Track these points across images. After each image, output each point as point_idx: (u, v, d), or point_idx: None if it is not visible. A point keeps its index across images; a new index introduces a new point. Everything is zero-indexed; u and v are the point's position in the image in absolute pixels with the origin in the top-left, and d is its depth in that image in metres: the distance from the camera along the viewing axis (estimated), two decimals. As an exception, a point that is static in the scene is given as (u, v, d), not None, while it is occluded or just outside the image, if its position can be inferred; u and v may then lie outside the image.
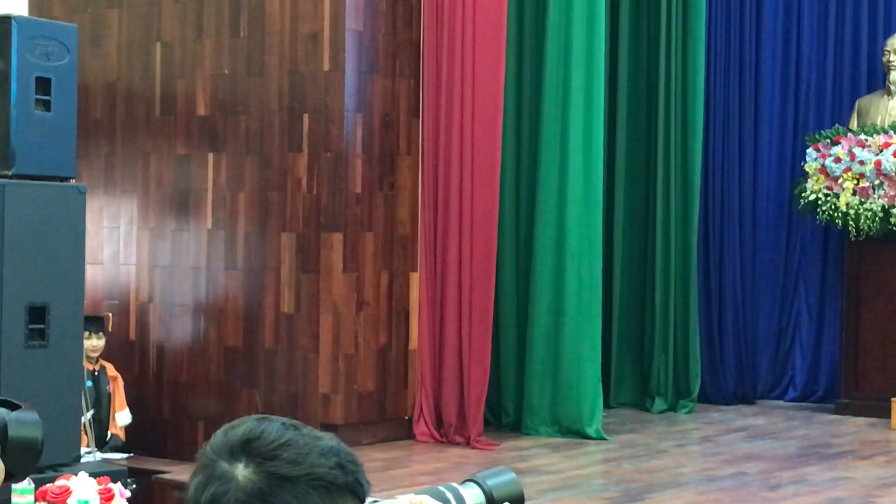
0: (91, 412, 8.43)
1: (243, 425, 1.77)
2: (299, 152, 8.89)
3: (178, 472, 7.95)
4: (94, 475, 6.08)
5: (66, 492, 5.89)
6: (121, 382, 8.95)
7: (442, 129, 9.05)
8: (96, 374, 8.74)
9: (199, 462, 1.78)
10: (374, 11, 8.98)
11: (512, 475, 1.99)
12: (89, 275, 8.82)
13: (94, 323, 8.68)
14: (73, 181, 6.92)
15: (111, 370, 8.91)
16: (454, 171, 9.02)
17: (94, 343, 8.64)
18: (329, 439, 1.78)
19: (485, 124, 9.03)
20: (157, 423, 9.33)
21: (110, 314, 9.18)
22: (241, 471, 1.72)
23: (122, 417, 8.91)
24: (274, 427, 1.76)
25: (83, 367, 7.47)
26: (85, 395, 8.03)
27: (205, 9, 9.31)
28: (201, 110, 9.31)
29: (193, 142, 9.35)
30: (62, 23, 7.60)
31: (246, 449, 1.73)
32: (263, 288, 9.01)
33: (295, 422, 1.82)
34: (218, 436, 1.78)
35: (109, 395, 8.81)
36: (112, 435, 8.83)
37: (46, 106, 6.81)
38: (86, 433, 8.12)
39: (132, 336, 9.56)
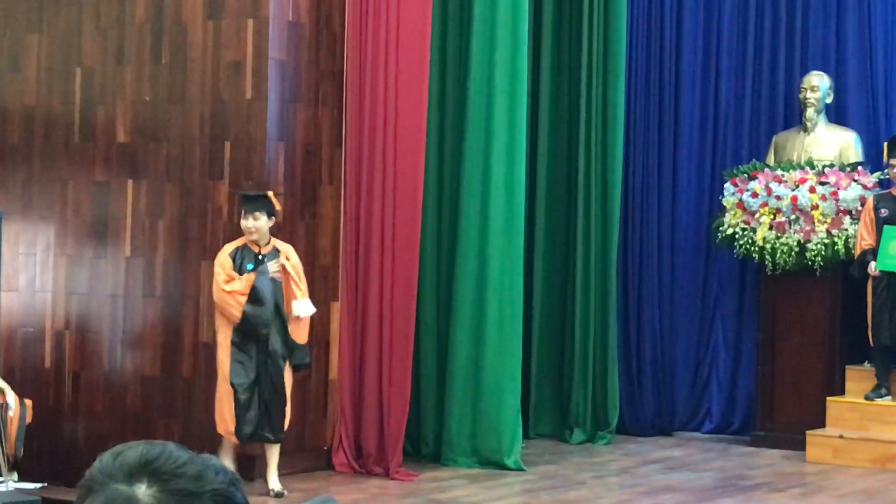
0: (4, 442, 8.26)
1: (138, 448, 1.79)
2: (220, 180, 8.85)
3: (93, 503, 7.83)
4: (7, 505, 5.98)
5: (-21, 522, 5.78)
6: (297, 267, 8.28)
7: (364, 159, 9.06)
8: (262, 257, 8.24)
9: (86, 487, 1.79)
10: (297, 41, 8.97)
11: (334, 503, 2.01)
12: (4, 301, 8.71)
13: (252, 202, 8.16)
14: (-11, 206, 6.83)
15: (284, 254, 8.27)
16: (376, 201, 9.02)
17: (249, 224, 8.15)
18: (215, 459, 1.83)
19: (407, 155, 9.04)
20: (71, 453, 9.21)
21: (271, 193, 8.32)
22: (144, 491, 1.74)
23: (298, 307, 8.25)
24: (170, 448, 1.80)
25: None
26: (1, 424, 7.88)
27: (126, 35, 9.25)
28: (121, 137, 9.24)
29: (113, 168, 9.27)
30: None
31: (146, 470, 1.75)
32: (182, 316, 8.94)
33: (180, 444, 1.87)
34: (105, 460, 1.80)
35: (279, 283, 8.26)
36: (295, 347, 8.29)
37: (-36, 130, 6.72)
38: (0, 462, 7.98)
39: (47, 364, 9.44)
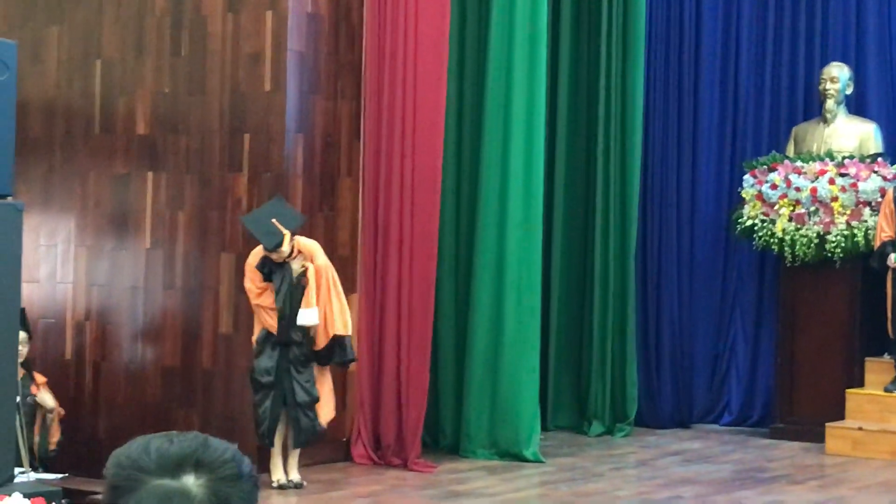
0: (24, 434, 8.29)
1: (168, 440, 1.83)
2: (239, 172, 8.87)
3: (113, 493, 7.86)
4: (28, 496, 6.02)
5: (0, 512, 5.82)
6: (320, 269, 8.22)
7: (383, 150, 9.06)
8: (286, 263, 8.23)
9: (118, 486, 1.80)
10: (316, 32, 8.98)
11: None
12: (25, 293, 8.72)
13: (275, 248, 8.13)
14: (10, 199, 6.85)
15: (309, 255, 8.27)
16: (395, 193, 9.03)
17: (274, 256, 8.14)
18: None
19: (426, 146, 9.05)
20: (92, 444, 9.25)
21: (287, 234, 8.13)
22: (194, 482, 1.79)
23: (303, 316, 8.20)
24: (200, 437, 1.85)
25: (18, 386, 7.38)
26: (19, 414, 7.92)
27: (146, 27, 9.27)
28: (141, 129, 9.26)
29: (133, 160, 9.30)
30: (1, 39, 7.53)
31: (191, 461, 1.80)
32: (202, 308, 8.96)
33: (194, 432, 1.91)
34: (135, 455, 1.82)
35: (303, 288, 8.22)
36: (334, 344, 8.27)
37: (-16, 122, 6.74)
38: (20, 451, 8.02)
39: (68, 355, 9.48)
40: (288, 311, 8.20)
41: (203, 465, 1.80)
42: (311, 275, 8.23)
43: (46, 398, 8.69)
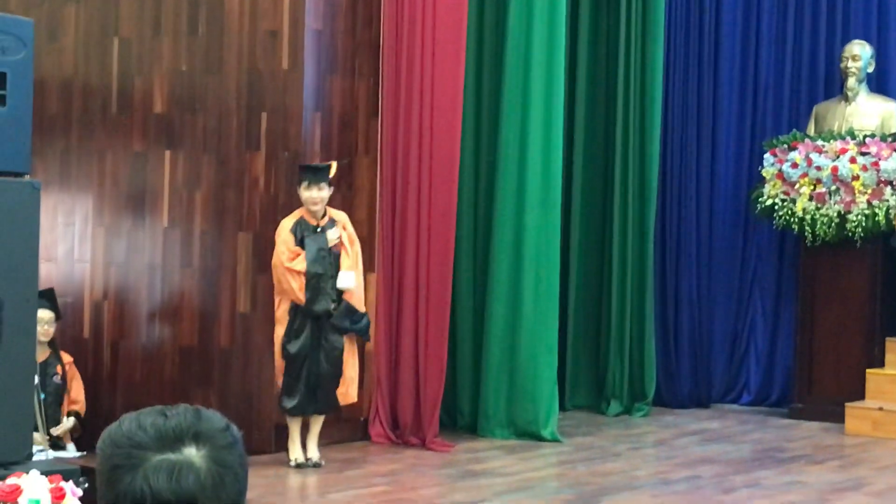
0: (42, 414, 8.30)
1: (171, 415, 1.88)
2: (257, 151, 8.85)
3: (131, 472, 7.87)
4: (45, 474, 6.01)
5: (17, 490, 5.82)
6: (351, 236, 8.33)
7: (401, 129, 9.03)
8: (320, 229, 8.24)
9: (119, 466, 1.81)
10: (333, 10, 8.94)
11: None
12: (43, 272, 8.74)
13: (319, 173, 8.21)
14: (27, 177, 6.83)
15: (341, 223, 8.33)
16: (412, 172, 9.00)
17: (314, 195, 8.17)
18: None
19: (444, 125, 9.01)
20: (110, 422, 9.20)
21: (334, 163, 8.39)
22: (196, 454, 1.83)
23: (342, 279, 8.21)
24: (192, 409, 1.90)
25: (36, 364, 7.39)
26: (39, 393, 7.93)
27: (163, 5, 9.25)
28: (158, 107, 9.25)
29: (150, 139, 9.29)
30: (18, 17, 7.51)
31: (190, 434, 1.85)
32: (219, 287, 8.96)
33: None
34: (129, 433, 1.87)
35: (337, 255, 8.23)
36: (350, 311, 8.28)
37: (1, 100, 6.72)
38: (37, 430, 8.03)
39: (86, 334, 9.49)
40: (321, 273, 8.15)
41: (201, 436, 1.84)
42: (344, 239, 8.24)
43: (71, 425, 8.74)
